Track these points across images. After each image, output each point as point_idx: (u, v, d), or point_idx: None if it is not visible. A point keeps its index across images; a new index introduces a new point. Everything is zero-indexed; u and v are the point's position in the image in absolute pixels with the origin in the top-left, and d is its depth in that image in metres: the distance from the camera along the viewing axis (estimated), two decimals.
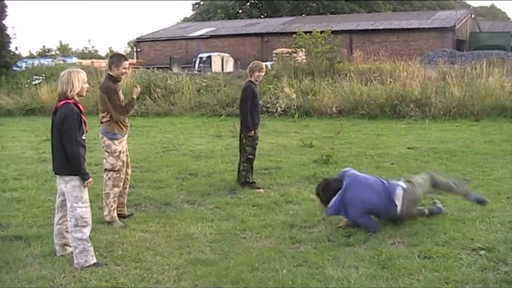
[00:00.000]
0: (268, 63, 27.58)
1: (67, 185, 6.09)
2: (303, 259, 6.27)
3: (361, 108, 19.82)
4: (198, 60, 44.80)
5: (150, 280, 5.77)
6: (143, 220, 7.97)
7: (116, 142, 7.91)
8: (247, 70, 9.96)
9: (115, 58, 8.04)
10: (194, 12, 79.58)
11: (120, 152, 7.93)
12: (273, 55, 31.29)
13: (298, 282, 5.59)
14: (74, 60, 42.20)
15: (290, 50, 27.08)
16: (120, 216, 8.03)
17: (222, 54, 46.39)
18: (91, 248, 6.18)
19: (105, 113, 7.89)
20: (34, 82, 26.98)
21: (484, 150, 12.71)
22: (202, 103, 22.70)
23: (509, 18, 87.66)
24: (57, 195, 6.43)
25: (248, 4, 73.83)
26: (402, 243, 6.75)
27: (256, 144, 9.94)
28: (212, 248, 6.75)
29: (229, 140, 14.95)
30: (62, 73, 6.23)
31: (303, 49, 26.34)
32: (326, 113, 20.23)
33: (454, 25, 44.93)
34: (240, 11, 73.63)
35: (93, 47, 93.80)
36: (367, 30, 47.46)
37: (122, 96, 8.07)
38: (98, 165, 11.74)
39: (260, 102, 16.06)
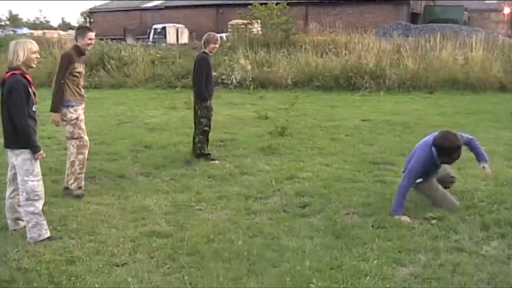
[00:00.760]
0: (224, 35, 27.42)
1: (17, 158, 5.97)
2: (258, 230, 6.30)
3: (316, 80, 19.88)
4: (152, 31, 44.25)
5: (105, 253, 5.72)
6: (97, 193, 7.89)
7: (71, 109, 7.81)
8: (202, 42, 9.87)
9: (80, 30, 8.08)
10: None
11: (76, 119, 7.83)
12: (229, 26, 31.11)
13: (253, 253, 5.61)
14: (25, 31, 41.37)
15: (245, 21, 26.94)
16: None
17: (177, 25, 45.88)
18: (44, 222, 6.10)
19: None
20: None
21: (437, 122, 12.89)
22: (157, 75, 22.49)
23: None
24: (9, 168, 6.31)
25: None
26: (356, 214, 6.84)
27: (211, 115, 9.90)
28: (167, 220, 6.73)
29: (184, 112, 14.85)
30: (11, 43, 6.10)
31: (259, 21, 26.23)
32: (281, 85, 20.23)
33: None
34: None
35: (44, 17, 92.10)
36: (322, 2, 47.40)
37: (81, 70, 7.99)
38: (50, 138, 11.60)
39: (215, 73, 15.98)
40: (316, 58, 21.11)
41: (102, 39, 29.85)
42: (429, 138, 6.96)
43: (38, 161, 6.06)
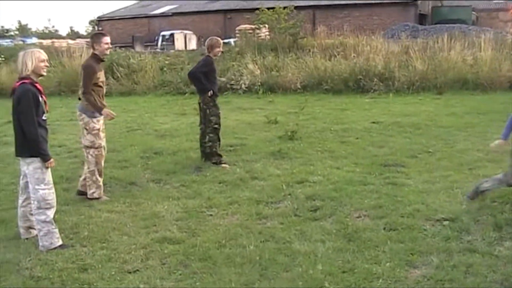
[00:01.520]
0: (232, 40, 27.47)
1: (28, 167, 6.00)
2: (270, 235, 6.29)
3: (325, 83, 19.84)
4: (160, 38, 44.30)
5: (117, 260, 5.74)
6: (108, 200, 7.91)
7: (94, 120, 7.93)
8: (206, 46, 9.89)
9: (95, 37, 8.16)
10: None
11: (98, 130, 7.97)
12: (237, 31, 31.13)
13: (265, 257, 5.61)
14: (34, 40, 41.50)
15: (253, 26, 26.97)
16: (82, 193, 8.09)
17: (185, 31, 45.93)
18: (56, 230, 6.12)
19: None
20: None
21: (447, 123, 12.86)
22: (166, 82, 22.52)
23: None
24: (21, 177, 6.34)
25: None
26: (367, 216, 6.82)
27: (220, 114, 9.91)
28: (179, 226, 6.74)
29: (194, 118, 14.82)
30: (19, 53, 6.12)
31: (266, 25, 26.27)
32: (290, 89, 20.22)
33: (416, 0, 45.14)
34: None
35: (53, 26, 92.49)
36: (330, 5, 47.33)
37: (103, 78, 8.10)
38: (61, 146, 11.63)
39: (224, 79, 16.00)
40: (324, 61, 21.08)
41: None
42: None
43: (49, 169, 6.08)
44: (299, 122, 12.69)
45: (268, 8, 26.02)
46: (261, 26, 26.41)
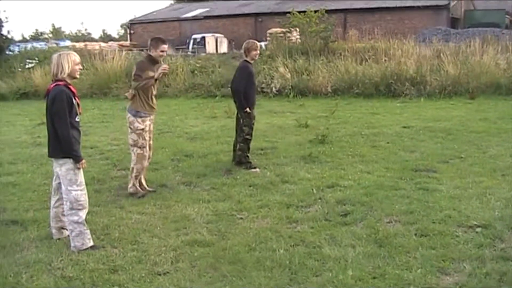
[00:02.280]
0: (263, 43, 27.46)
1: (61, 168, 6.06)
2: (300, 239, 6.27)
3: (356, 87, 19.78)
4: (192, 41, 44.55)
5: (147, 262, 5.76)
6: (139, 202, 7.95)
7: (139, 119, 8.20)
8: (242, 50, 9.90)
9: (153, 41, 8.45)
10: None
11: (142, 130, 8.21)
12: (267, 35, 31.14)
13: (295, 262, 5.59)
14: (67, 43, 42.03)
15: (284, 30, 26.97)
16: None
17: (216, 35, 46.12)
18: (88, 231, 6.17)
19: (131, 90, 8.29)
20: (27, 66, 26.87)
21: (479, 128, 12.72)
22: (197, 84, 22.62)
23: None
24: (53, 178, 6.40)
25: None
26: (398, 222, 6.76)
27: (253, 124, 9.91)
28: (209, 229, 6.75)
29: (224, 121, 14.93)
30: (53, 55, 6.18)
31: (297, 29, 26.26)
32: (321, 93, 20.20)
33: (449, 3, 44.71)
34: None
35: (86, 29, 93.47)
36: (361, 9, 47.18)
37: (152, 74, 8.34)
38: (93, 148, 11.75)
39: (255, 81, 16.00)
40: (355, 65, 21.03)
41: (142, 50, 30.20)
42: None
43: (81, 170, 6.13)
44: (330, 126, 12.65)
45: (299, 12, 26.04)
46: (292, 29, 26.42)
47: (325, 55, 22.77)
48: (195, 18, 54.88)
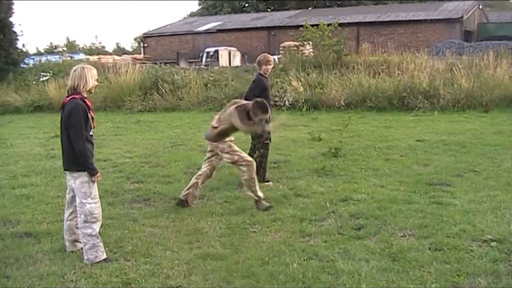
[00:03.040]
0: (276, 57, 27.50)
1: (76, 181, 6.08)
2: (313, 253, 6.25)
3: (369, 100, 19.76)
4: (205, 54, 44.76)
5: (160, 275, 5.76)
6: (152, 215, 7.96)
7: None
8: (255, 64, 9.96)
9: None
10: (201, 6, 79.54)
11: (229, 146, 8.37)
12: (280, 48, 31.22)
13: (308, 276, 5.57)
14: (81, 56, 42.31)
15: (297, 43, 27.04)
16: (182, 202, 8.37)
17: (229, 48, 46.31)
18: (101, 244, 6.18)
19: None
20: (41, 79, 27.06)
21: (493, 141, 12.65)
22: (210, 98, 22.67)
23: None
24: (67, 191, 6.42)
25: None
26: (412, 236, 6.72)
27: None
28: (222, 242, 6.74)
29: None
30: (75, 67, 6.20)
31: (310, 42, 26.30)
32: (334, 106, 20.19)
33: (462, 16, 44.73)
34: (247, 4, 73.55)
35: (100, 43, 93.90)
36: (374, 22, 47.30)
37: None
38: (106, 160, 11.78)
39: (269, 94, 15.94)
40: (368, 78, 21.01)
41: (155, 63, 30.32)
42: None
43: (95, 183, 6.15)
44: (343, 139, 12.63)
45: (312, 25, 26.07)
46: (305, 43, 26.46)
47: (338, 68, 22.77)
48: (208, 32, 55.17)
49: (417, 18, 46.26)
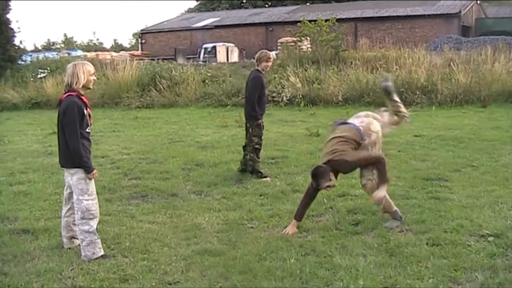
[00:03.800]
0: (273, 52, 27.49)
1: (72, 178, 6.07)
2: (311, 248, 6.25)
3: (367, 96, 19.76)
4: (203, 50, 44.69)
5: (157, 271, 5.75)
6: (150, 211, 7.95)
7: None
8: (255, 60, 9.89)
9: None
10: (198, 2, 79.41)
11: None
12: (278, 44, 31.24)
13: (306, 271, 5.57)
14: (79, 53, 42.22)
15: (295, 39, 27.03)
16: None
17: (227, 44, 46.24)
18: (99, 241, 6.17)
19: None
20: (39, 76, 27.05)
21: (491, 136, 12.65)
22: (208, 94, 22.68)
23: None
24: (65, 187, 6.42)
25: None
26: (410, 231, 6.72)
27: (263, 134, 9.90)
28: (220, 238, 6.74)
29: (235, 130, 14.94)
30: (69, 65, 6.20)
31: (308, 38, 26.32)
32: (332, 102, 20.19)
33: (460, 11, 44.66)
34: (244, 1, 73.43)
35: (98, 39, 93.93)
36: (372, 17, 47.23)
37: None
38: (104, 157, 11.78)
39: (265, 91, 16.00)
40: (366, 74, 21.02)
41: (153, 59, 30.30)
42: None
43: (92, 180, 6.14)
44: None
45: (310, 21, 26.06)
46: (303, 38, 26.45)
47: (336, 64, 22.79)
48: (206, 28, 55.10)
49: (415, 14, 46.19)
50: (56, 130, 6.28)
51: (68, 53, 36.19)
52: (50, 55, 33.52)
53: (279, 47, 30.05)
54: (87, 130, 6.07)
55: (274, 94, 20.61)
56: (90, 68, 6.19)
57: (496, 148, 11.39)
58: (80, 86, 6.06)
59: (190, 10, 79.57)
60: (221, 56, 42.87)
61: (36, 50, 52.65)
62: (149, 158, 11.73)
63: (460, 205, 7.56)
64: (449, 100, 18.78)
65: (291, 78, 21.44)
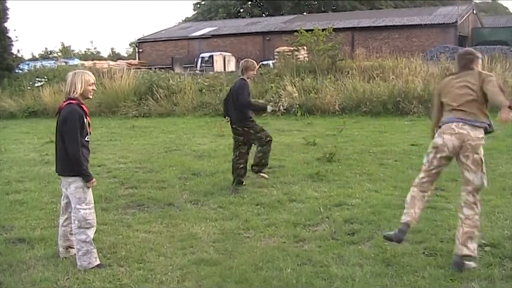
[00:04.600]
0: (270, 62, 27.55)
1: (70, 186, 6.06)
2: (307, 258, 6.24)
3: (363, 105, 19.78)
4: (200, 60, 44.80)
5: (153, 280, 5.74)
6: (146, 220, 7.94)
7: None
8: (240, 69, 9.88)
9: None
10: (196, 12, 79.69)
11: None
12: (275, 53, 31.28)
13: (302, 281, 5.56)
14: (76, 61, 42.26)
15: (292, 48, 27.06)
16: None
17: (224, 53, 46.38)
18: (95, 250, 6.15)
19: None
20: (36, 84, 27.00)
21: (488, 146, 12.51)
22: (205, 103, 22.67)
23: (511, 13, 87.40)
24: (62, 197, 6.40)
25: (250, 3, 73.89)
26: (406, 240, 6.69)
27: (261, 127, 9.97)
28: (216, 248, 6.73)
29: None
30: (69, 73, 6.22)
31: (305, 47, 26.33)
32: (328, 111, 20.20)
33: (456, 21, 44.87)
34: (242, 10, 73.68)
35: (95, 48, 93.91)
36: (368, 27, 47.43)
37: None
38: (100, 166, 11.76)
39: (262, 100, 16.06)
40: (363, 83, 21.02)
41: (150, 68, 30.32)
42: None
43: (90, 189, 6.14)
44: (338, 144, 12.64)
45: (307, 30, 26.11)
46: (300, 48, 26.49)
47: (332, 73, 22.79)
48: (203, 37, 55.26)
49: (412, 23, 46.41)
50: (53, 139, 6.26)
51: (66, 62, 36.22)
52: (48, 63, 33.51)
53: (276, 57, 30.10)
54: (86, 138, 6.07)
55: (271, 104, 20.58)
56: (90, 77, 6.17)
57: (493, 157, 11.38)
58: (77, 95, 6.05)
59: (187, 19, 79.81)
60: (218, 65, 42.97)
61: (33, 59, 52.69)
62: (146, 167, 11.72)
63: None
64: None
65: (288, 87, 21.44)
